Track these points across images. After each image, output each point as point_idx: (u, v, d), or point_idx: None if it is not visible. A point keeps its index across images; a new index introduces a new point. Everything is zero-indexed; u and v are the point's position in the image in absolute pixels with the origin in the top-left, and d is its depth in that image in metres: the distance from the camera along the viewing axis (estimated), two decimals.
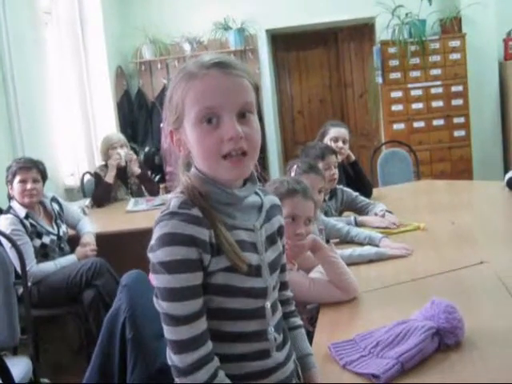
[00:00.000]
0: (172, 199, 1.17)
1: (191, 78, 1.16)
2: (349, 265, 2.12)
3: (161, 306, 1.12)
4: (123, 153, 4.56)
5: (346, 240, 2.71)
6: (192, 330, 1.11)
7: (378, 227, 2.91)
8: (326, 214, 2.94)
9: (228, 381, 1.14)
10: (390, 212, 3.08)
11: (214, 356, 1.13)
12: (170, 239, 1.09)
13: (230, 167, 1.14)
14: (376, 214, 3.07)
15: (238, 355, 1.18)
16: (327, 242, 2.61)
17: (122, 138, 4.76)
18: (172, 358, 1.13)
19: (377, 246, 2.57)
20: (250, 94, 1.18)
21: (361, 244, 2.63)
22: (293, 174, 2.55)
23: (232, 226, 1.18)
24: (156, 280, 1.12)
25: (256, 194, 1.28)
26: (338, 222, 2.80)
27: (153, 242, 1.12)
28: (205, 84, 1.14)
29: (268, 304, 1.22)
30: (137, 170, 4.65)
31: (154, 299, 1.14)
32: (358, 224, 2.94)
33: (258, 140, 1.18)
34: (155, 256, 1.11)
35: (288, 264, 1.48)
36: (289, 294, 1.41)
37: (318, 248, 1.99)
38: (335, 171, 3.10)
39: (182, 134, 1.19)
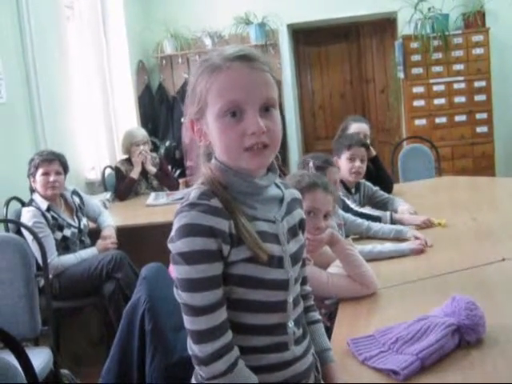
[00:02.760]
0: (192, 190, 1.17)
1: (215, 70, 1.16)
2: (369, 261, 2.11)
3: (180, 296, 1.13)
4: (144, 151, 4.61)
5: (368, 235, 2.69)
6: (211, 321, 1.11)
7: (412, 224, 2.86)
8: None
9: (247, 371, 1.14)
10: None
11: (233, 345, 1.14)
12: (189, 230, 1.10)
13: (250, 157, 1.15)
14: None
15: (255, 347, 1.18)
16: (346, 237, 2.59)
17: (145, 134, 4.78)
18: (192, 348, 1.14)
19: (404, 238, 2.57)
20: (273, 89, 1.19)
21: (385, 239, 2.61)
22: None
23: (253, 216, 1.18)
24: (176, 271, 1.13)
25: (277, 186, 1.28)
26: (357, 218, 2.77)
27: (173, 233, 1.13)
28: (229, 77, 1.15)
29: (290, 298, 1.22)
30: (151, 169, 4.68)
31: (174, 290, 1.15)
32: (394, 221, 2.86)
33: (279, 134, 1.19)
34: (175, 247, 1.12)
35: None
36: (308, 288, 1.40)
37: (336, 241, 1.99)
38: (360, 164, 3.09)
39: (203, 124, 1.20)
